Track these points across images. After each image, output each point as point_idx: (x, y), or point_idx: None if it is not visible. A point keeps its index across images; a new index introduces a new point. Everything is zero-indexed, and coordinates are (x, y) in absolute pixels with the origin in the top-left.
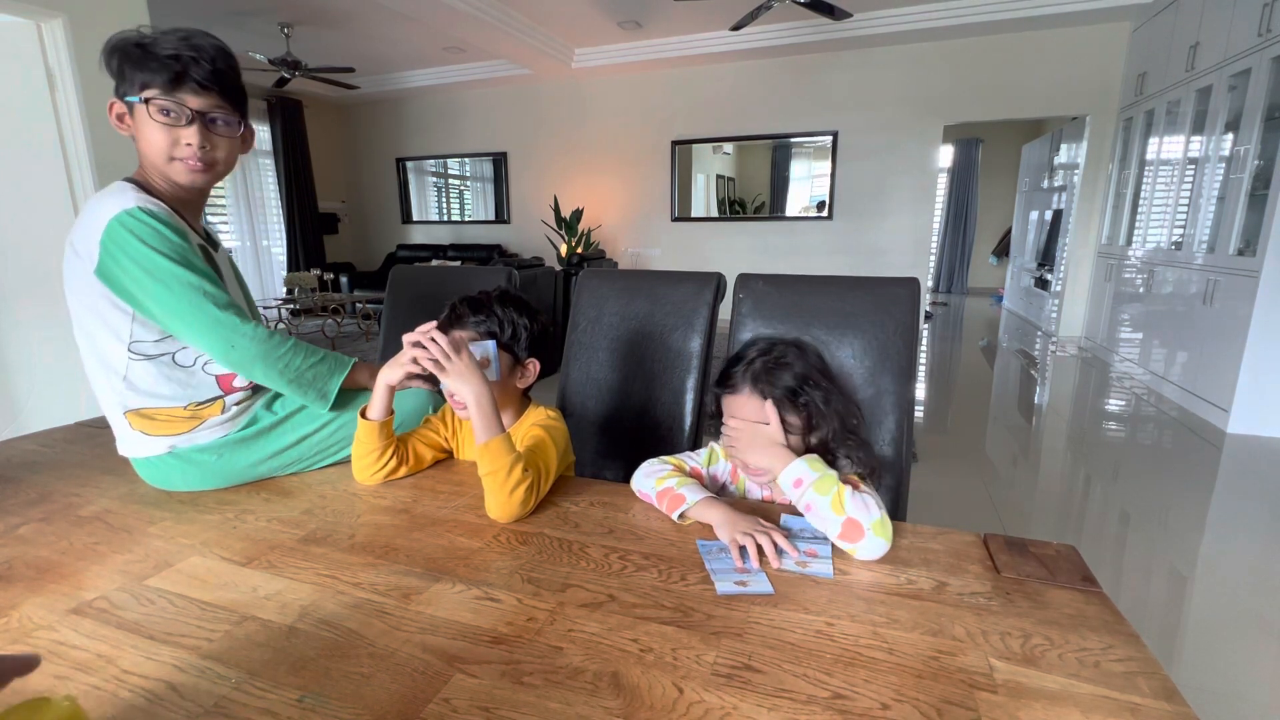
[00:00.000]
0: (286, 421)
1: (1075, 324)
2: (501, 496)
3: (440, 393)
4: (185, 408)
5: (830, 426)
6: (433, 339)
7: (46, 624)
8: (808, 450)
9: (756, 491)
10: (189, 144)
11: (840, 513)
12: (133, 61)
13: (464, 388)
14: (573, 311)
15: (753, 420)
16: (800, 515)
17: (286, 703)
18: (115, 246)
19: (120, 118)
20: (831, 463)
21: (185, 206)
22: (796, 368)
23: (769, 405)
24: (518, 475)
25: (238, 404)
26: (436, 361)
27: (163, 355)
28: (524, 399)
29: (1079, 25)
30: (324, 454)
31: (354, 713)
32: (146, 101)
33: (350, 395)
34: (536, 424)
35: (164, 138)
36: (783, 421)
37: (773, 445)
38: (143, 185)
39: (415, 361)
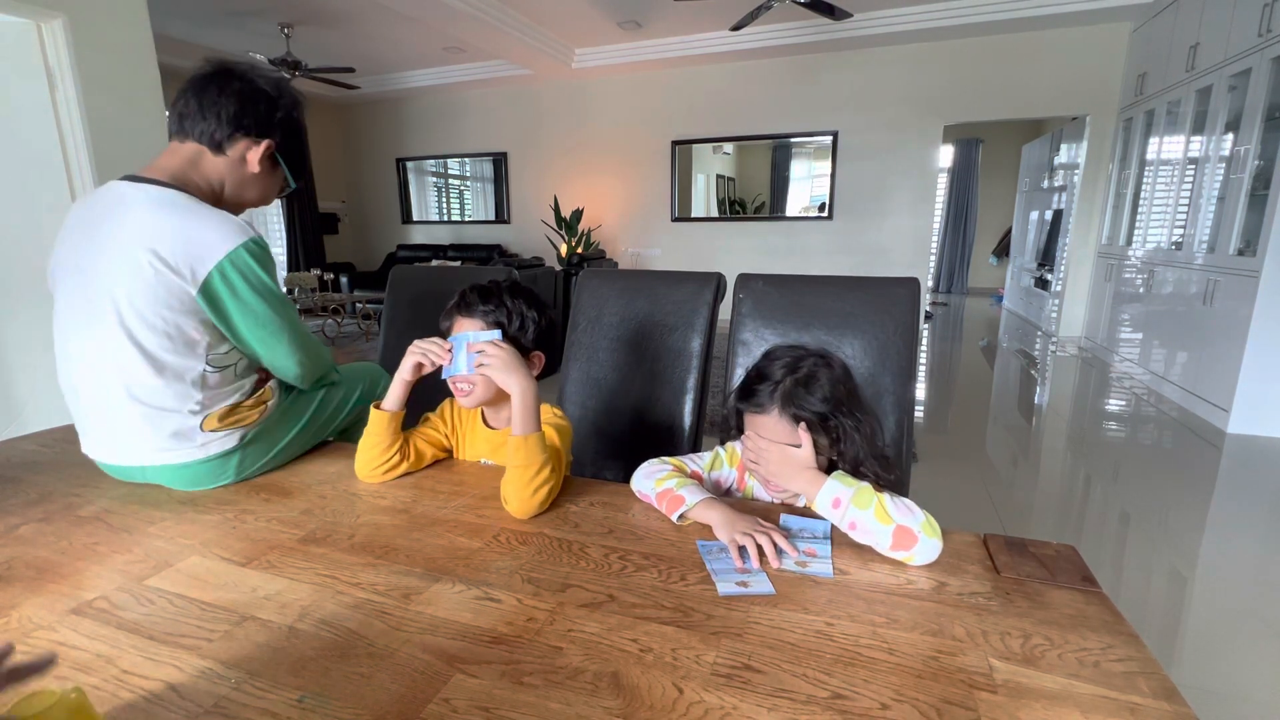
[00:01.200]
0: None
1: (1075, 324)
2: (526, 493)
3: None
4: (250, 400)
5: (859, 447)
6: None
7: (46, 624)
8: (832, 467)
9: (765, 498)
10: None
11: (888, 522)
12: (298, 144)
13: (511, 380)
14: (573, 311)
15: (781, 442)
16: (798, 515)
17: (286, 703)
18: (238, 274)
19: (261, 161)
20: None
21: None
22: (825, 387)
23: (802, 429)
24: (545, 475)
25: (272, 385)
26: (441, 363)
27: (229, 366)
28: None
29: (1079, 25)
30: (341, 410)
31: (354, 713)
32: (293, 188)
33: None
34: (545, 423)
35: (274, 192)
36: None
37: (805, 469)
38: (186, 191)
39: (419, 363)
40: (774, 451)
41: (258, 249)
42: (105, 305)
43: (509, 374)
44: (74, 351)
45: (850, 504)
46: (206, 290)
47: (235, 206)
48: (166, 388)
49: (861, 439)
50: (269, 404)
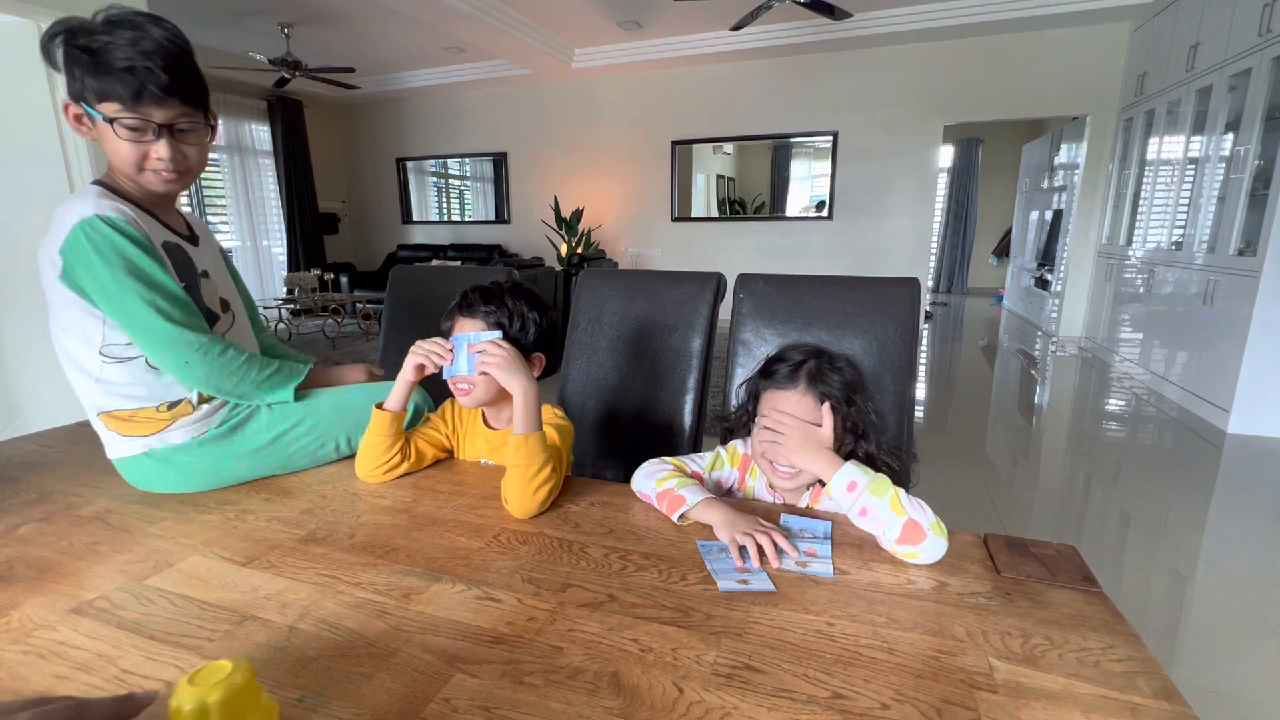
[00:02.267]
0: (254, 419)
1: (1075, 324)
2: (526, 492)
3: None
4: (157, 408)
5: (875, 441)
6: (487, 347)
7: (46, 624)
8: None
9: (767, 500)
10: (160, 158)
11: (901, 514)
12: (83, 67)
13: (513, 380)
14: (573, 311)
15: (803, 419)
16: (799, 515)
17: (287, 703)
18: (74, 256)
19: (78, 119)
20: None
21: (157, 203)
22: (847, 375)
23: (826, 408)
24: (545, 474)
25: (208, 403)
26: (442, 364)
27: (135, 358)
28: None
29: (1079, 25)
30: (301, 453)
31: (354, 713)
32: (111, 121)
33: (315, 392)
34: (546, 423)
35: (133, 151)
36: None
37: (823, 449)
38: (110, 186)
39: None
40: (796, 428)
41: (89, 228)
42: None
43: (511, 374)
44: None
45: (866, 490)
46: (65, 277)
47: (131, 184)
48: (80, 381)
49: (875, 434)
50: (181, 420)
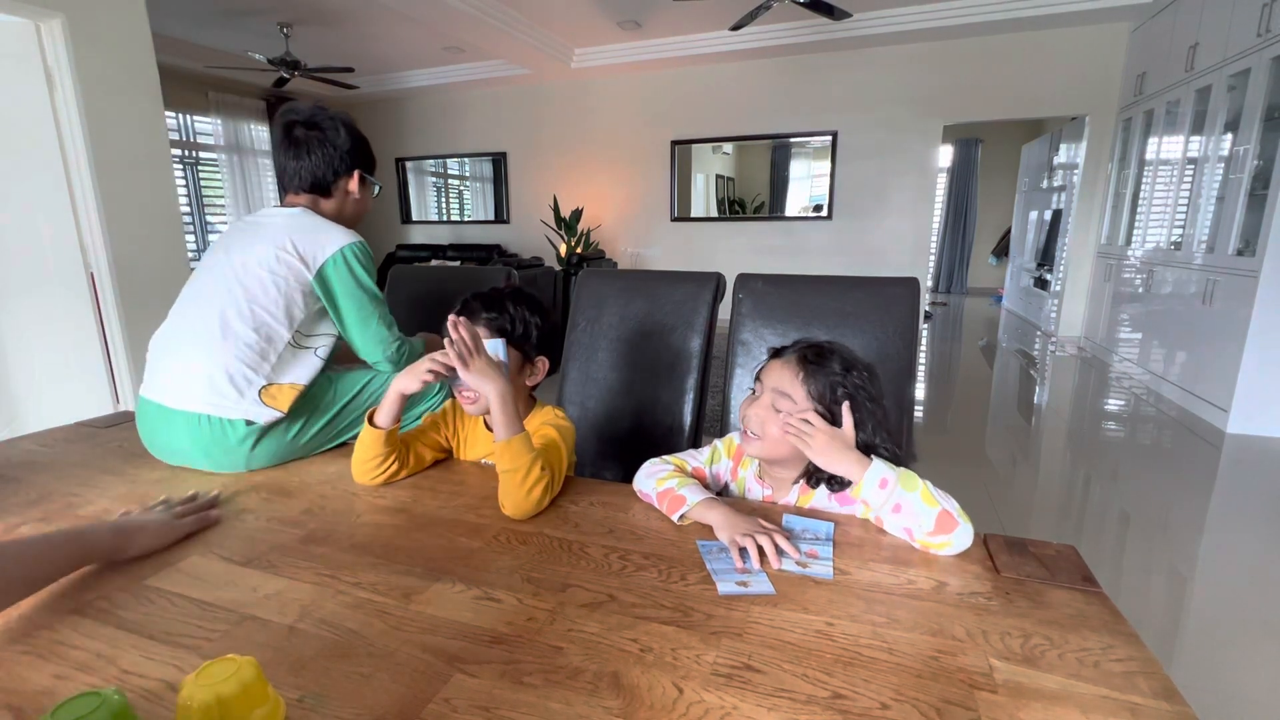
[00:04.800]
0: (334, 389)
1: (1074, 324)
2: (519, 494)
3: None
4: (305, 386)
5: (877, 429)
6: (457, 326)
7: (47, 624)
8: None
9: (757, 491)
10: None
11: (934, 505)
12: (368, 151)
13: (486, 385)
14: (572, 311)
15: (782, 390)
16: (798, 515)
17: (286, 702)
18: (345, 265)
19: (362, 182)
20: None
21: None
22: (843, 356)
23: (845, 409)
24: (536, 473)
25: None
26: (454, 365)
27: (309, 348)
28: (531, 397)
29: (1078, 25)
30: (355, 424)
31: (354, 713)
32: (376, 184)
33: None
34: (546, 423)
35: (370, 198)
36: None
37: (849, 449)
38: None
39: (432, 372)
40: (821, 432)
41: (360, 250)
42: (229, 272)
43: (483, 378)
44: (187, 305)
45: (898, 485)
46: (321, 275)
47: (350, 223)
48: (253, 333)
49: (875, 423)
50: (294, 398)
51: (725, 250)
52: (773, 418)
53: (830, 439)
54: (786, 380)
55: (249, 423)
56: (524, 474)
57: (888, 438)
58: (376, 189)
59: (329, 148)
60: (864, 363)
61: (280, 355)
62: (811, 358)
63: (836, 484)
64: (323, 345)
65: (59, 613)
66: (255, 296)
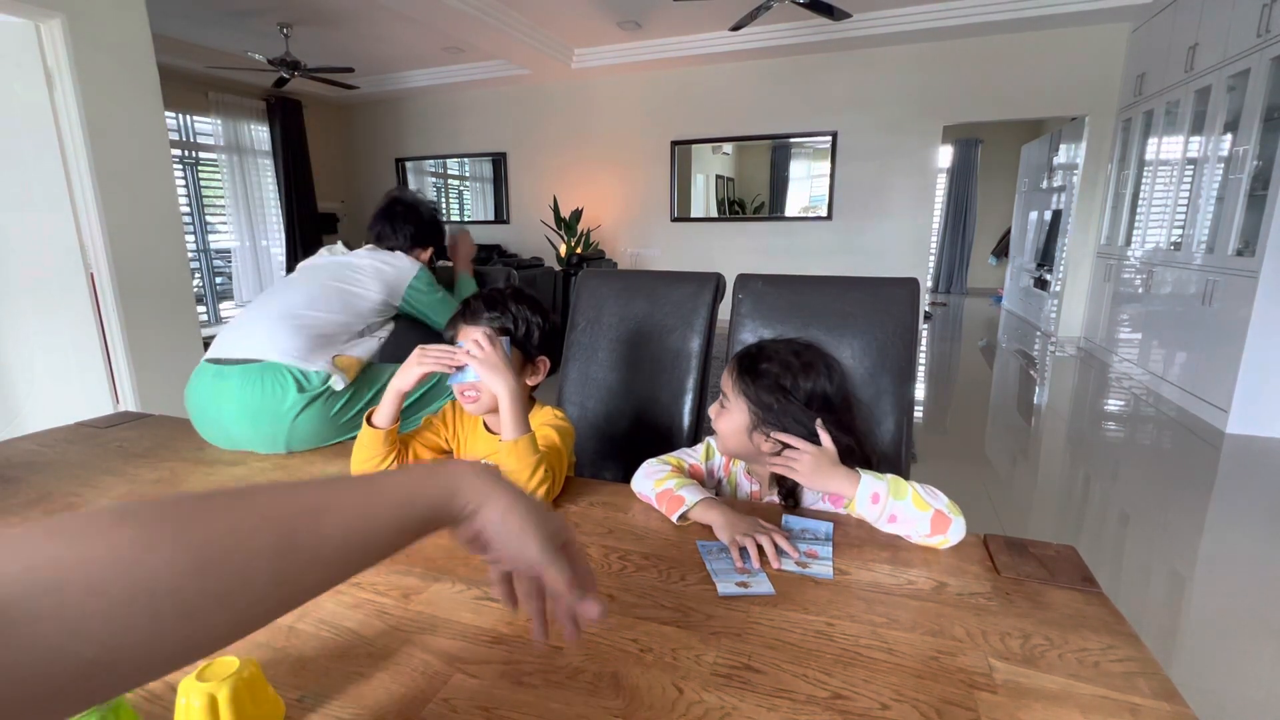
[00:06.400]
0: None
1: (1074, 324)
2: None
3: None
4: (366, 360)
5: (863, 430)
6: (475, 341)
7: None
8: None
9: (745, 486)
10: None
11: (926, 508)
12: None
13: (497, 381)
14: (572, 311)
15: (725, 394)
16: (800, 515)
17: (286, 702)
18: (418, 285)
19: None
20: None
21: None
22: (778, 366)
23: (820, 426)
24: (540, 475)
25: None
26: (458, 363)
27: (373, 337)
28: (530, 398)
29: (1078, 25)
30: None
31: (353, 713)
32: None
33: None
34: (546, 424)
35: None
36: (807, 435)
37: (836, 467)
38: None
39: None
40: (805, 456)
41: (425, 274)
42: (321, 273)
43: (494, 373)
44: (276, 289)
45: (890, 496)
46: (407, 296)
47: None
48: (340, 312)
49: (861, 420)
50: (353, 369)
51: (725, 250)
52: (723, 415)
53: (815, 459)
54: (729, 383)
55: (300, 389)
56: (529, 475)
57: (855, 440)
58: (436, 262)
59: (422, 221)
60: (823, 361)
61: (353, 335)
62: (746, 363)
63: (791, 499)
64: (385, 329)
65: None
66: (349, 289)
